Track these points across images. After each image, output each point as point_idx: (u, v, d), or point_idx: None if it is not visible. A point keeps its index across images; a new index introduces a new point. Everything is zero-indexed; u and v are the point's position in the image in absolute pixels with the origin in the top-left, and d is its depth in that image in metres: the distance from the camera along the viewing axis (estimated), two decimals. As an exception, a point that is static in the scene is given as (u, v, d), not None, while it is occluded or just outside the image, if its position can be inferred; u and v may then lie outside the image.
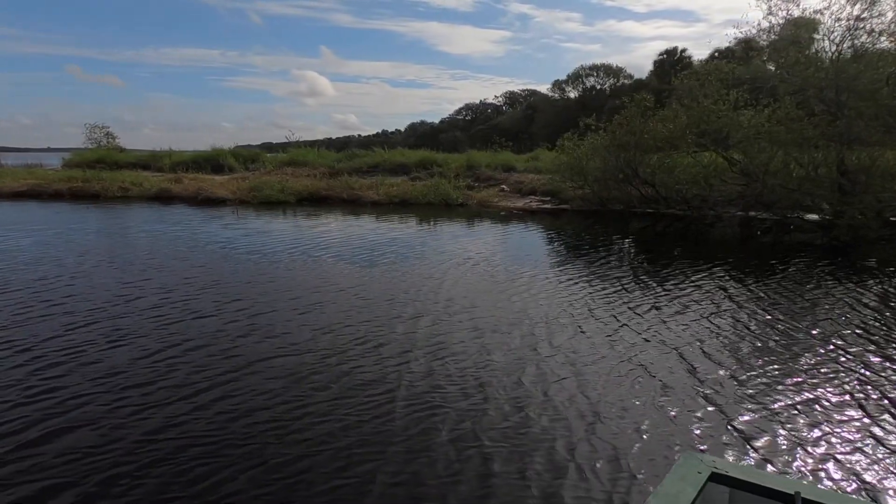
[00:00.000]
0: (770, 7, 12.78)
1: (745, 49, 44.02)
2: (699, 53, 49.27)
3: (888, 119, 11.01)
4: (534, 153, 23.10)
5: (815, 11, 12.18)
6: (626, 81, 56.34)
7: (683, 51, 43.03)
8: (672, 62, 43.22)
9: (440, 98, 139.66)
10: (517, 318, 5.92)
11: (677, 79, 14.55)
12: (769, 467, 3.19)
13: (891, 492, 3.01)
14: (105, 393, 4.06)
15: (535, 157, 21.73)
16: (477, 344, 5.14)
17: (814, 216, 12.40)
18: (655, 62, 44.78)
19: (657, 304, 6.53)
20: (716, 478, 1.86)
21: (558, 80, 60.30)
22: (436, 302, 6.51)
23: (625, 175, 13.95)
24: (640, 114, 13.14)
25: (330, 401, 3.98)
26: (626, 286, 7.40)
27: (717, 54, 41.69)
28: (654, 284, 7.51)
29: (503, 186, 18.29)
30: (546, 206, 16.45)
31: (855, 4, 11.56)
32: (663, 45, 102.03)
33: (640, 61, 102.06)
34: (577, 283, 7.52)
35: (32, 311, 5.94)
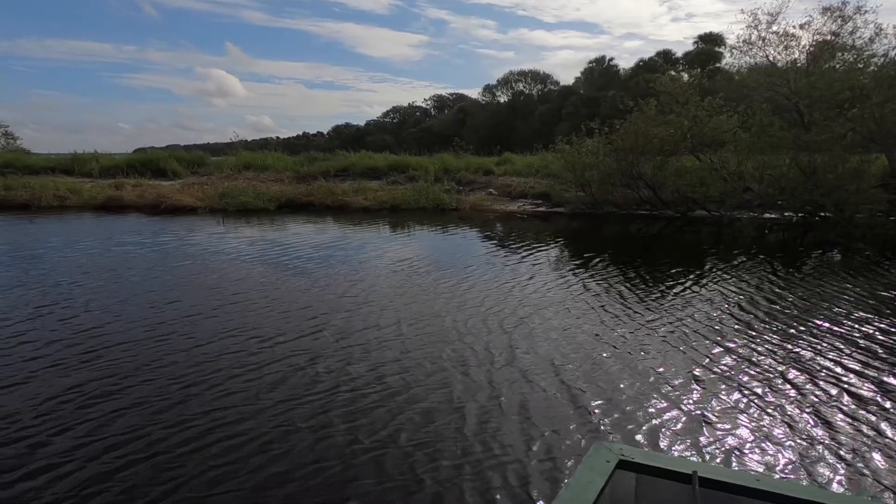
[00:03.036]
0: (755, 23, 13.68)
1: (664, 60, 47.50)
2: (623, 64, 52.46)
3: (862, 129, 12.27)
4: (504, 156, 23.21)
5: (799, 26, 13.28)
6: (552, 87, 58.91)
7: (611, 59, 45.71)
8: (601, 70, 45.78)
9: (359, 101, 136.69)
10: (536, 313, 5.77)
11: (660, 85, 15.23)
12: (675, 451, 3.40)
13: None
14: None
15: (509, 161, 21.83)
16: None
17: (791, 214, 13.63)
18: (585, 70, 47.14)
19: (662, 301, 6.71)
20: (623, 465, 1.92)
21: (489, 84, 61.60)
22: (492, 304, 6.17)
23: (627, 178, 14.37)
24: (645, 118, 13.57)
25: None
26: (641, 284, 7.59)
27: (641, 63, 44.91)
28: (664, 282, 7.71)
29: (491, 190, 18.14)
30: (540, 209, 16.55)
31: (835, 21, 12.76)
32: (571, 55, 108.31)
33: (551, 69, 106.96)
34: (594, 283, 7.58)
35: (98, 341, 4.77)
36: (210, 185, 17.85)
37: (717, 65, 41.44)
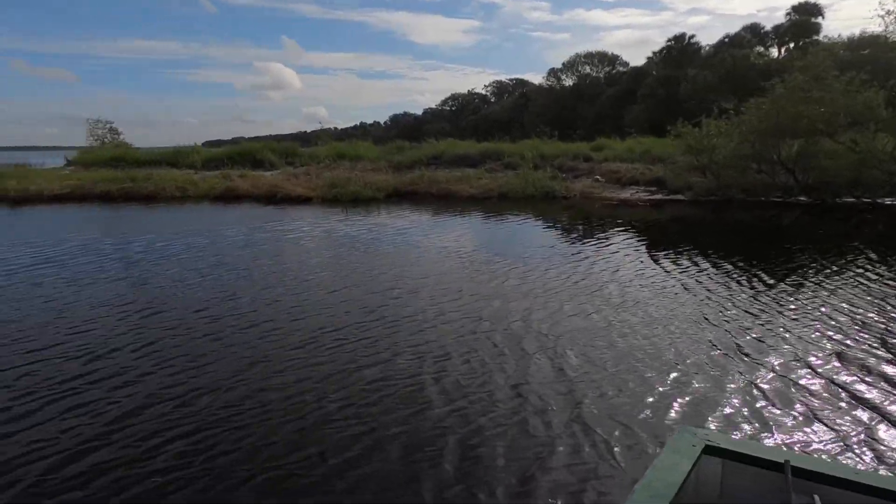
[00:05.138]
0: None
1: (752, 35, 44.32)
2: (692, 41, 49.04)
3: None
4: (598, 142, 22.39)
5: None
6: (621, 69, 56.59)
7: (692, 36, 43.19)
8: (680, 49, 43.44)
9: (411, 89, 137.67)
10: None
11: (801, 60, 14.00)
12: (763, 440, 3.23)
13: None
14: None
15: (608, 146, 21.03)
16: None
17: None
18: (662, 50, 44.78)
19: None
20: (709, 450, 1.91)
21: (553, 68, 59.97)
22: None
23: (763, 161, 13.35)
24: (795, 97, 12.47)
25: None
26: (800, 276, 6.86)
27: (726, 39, 42.24)
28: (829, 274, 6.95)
29: (597, 177, 17.47)
30: (655, 196, 15.75)
31: None
32: (630, 34, 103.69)
33: (608, 49, 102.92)
34: (745, 272, 6.83)
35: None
36: (315, 176, 18.15)
37: (816, 37, 38.36)
